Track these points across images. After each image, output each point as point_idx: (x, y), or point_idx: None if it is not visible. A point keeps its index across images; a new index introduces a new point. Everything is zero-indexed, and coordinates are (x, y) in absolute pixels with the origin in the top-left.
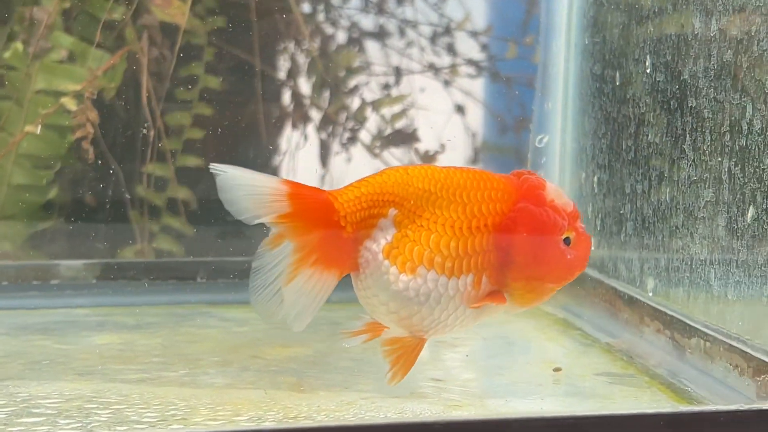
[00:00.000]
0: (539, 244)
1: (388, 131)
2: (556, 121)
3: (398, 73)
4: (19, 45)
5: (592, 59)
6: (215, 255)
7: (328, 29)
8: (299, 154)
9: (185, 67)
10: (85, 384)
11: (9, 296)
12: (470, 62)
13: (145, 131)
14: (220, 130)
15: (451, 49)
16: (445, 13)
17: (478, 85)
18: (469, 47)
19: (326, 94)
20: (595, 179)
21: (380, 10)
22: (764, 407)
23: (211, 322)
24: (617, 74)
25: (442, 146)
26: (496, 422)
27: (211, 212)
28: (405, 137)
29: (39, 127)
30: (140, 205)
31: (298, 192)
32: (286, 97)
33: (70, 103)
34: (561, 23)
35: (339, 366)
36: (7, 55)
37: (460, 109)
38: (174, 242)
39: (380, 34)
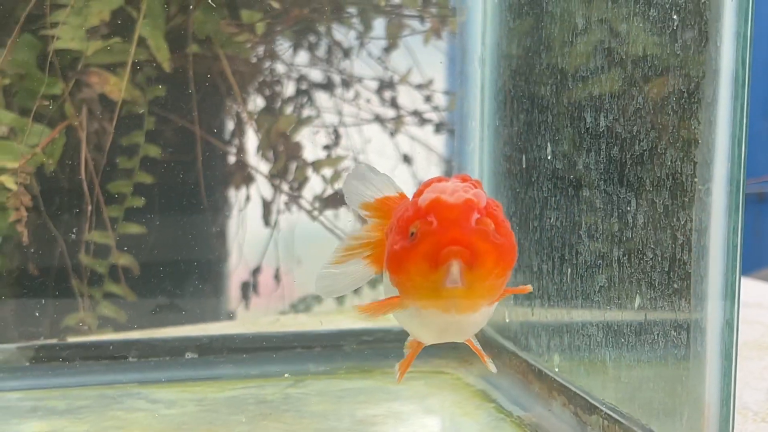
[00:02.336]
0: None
1: (328, 192)
2: None
3: (337, 133)
4: None
5: (502, 141)
6: (154, 325)
7: (274, 86)
8: (245, 214)
9: (126, 137)
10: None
11: None
12: (414, 113)
13: (87, 201)
14: (161, 196)
15: (394, 102)
16: (389, 67)
17: (425, 135)
18: (413, 99)
19: (269, 155)
20: None
21: (328, 63)
22: None
23: (140, 404)
24: (523, 157)
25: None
26: None
27: (152, 278)
28: (342, 200)
29: None
30: (82, 273)
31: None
32: (228, 160)
33: (8, 181)
34: (475, 104)
35: None
36: None
37: (406, 158)
38: (116, 309)
39: (327, 86)
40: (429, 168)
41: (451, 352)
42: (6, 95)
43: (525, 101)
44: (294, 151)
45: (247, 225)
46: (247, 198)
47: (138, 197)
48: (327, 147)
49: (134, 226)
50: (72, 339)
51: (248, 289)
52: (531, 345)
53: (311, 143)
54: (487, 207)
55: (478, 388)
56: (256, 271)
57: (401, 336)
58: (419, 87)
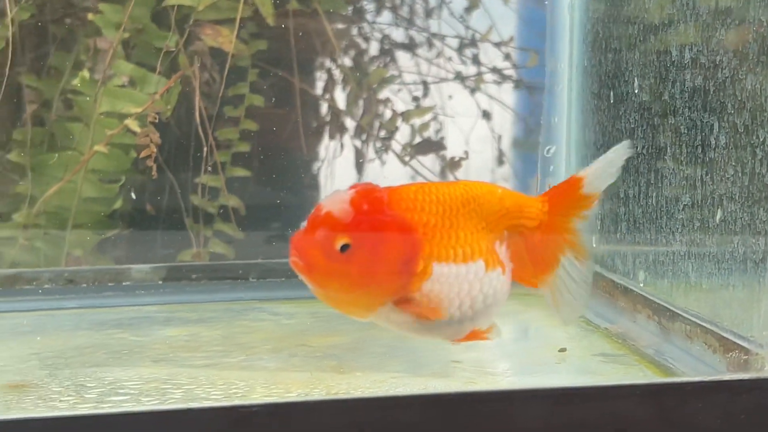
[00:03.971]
0: None
1: (417, 140)
2: (561, 134)
3: (425, 85)
4: (85, 72)
5: (590, 79)
6: (264, 257)
7: (361, 44)
8: (336, 162)
9: (232, 87)
10: (160, 369)
11: (88, 296)
12: (494, 70)
13: (199, 146)
14: (264, 142)
15: (476, 59)
16: (470, 26)
17: (503, 92)
18: (493, 56)
19: (360, 106)
20: None
21: (410, 24)
22: (725, 378)
23: (263, 316)
24: (611, 93)
25: (466, 152)
26: (503, 393)
27: (258, 218)
28: (432, 145)
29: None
30: (195, 213)
31: None
32: (323, 110)
33: (133, 124)
34: (564, 47)
35: (373, 351)
36: (75, 81)
37: (486, 114)
38: (226, 246)
39: (410, 46)
40: (505, 125)
41: None
42: (125, 48)
43: (614, 41)
44: (383, 103)
45: (338, 172)
46: (341, 146)
47: (244, 143)
48: (416, 98)
49: (240, 170)
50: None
51: None
52: (617, 265)
53: (399, 99)
54: (343, 226)
55: None
56: None
57: None
58: (499, 44)
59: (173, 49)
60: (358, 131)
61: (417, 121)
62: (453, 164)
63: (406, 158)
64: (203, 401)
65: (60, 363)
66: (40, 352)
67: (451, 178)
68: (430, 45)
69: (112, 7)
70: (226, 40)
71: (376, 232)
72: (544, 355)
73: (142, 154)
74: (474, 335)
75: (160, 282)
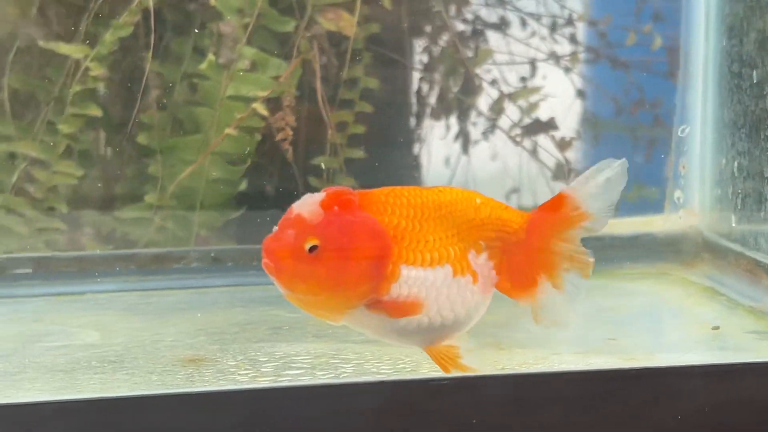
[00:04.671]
0: None
1: (526, 121)
2: (696, 113)
3: (533, 65)
4: (212, 57)
5: (730, 59)
6: None
7: (463, 26)
8: (442, 143)
9: (348, 70)
10: (324, 344)
11: (234, 275)
12: (590, 49)
13: (316, 128)
14: (377, 125)
15: (573, 38)
16: (566, 5)
17: (597, 71)
18: (587, 35)
19: (467, 87)
20: (735, 164)
21: (503, 3)
22: None
23: None
24: (754, 72)
25: (577, 132)
26: (662, 370)
27: None
28: (544, 125)
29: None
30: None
31: None
32: (432, 91)
33: (260, 108)
34: (700, 28)
35: (526, 328)
36: (202, 66)
37: (581, 93)
38: None
39: (507, 25)
40: (604, 104)
41: (674, 255)
42: (246, 32)
43: (756, 21)
44: (490, 84)
45: (447, 153)
46: (447, 127)
47: (359, 125)
48: (523, 79)
49: (356, 151)
50: None
51: None
52: (760, 244)
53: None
54: (312, 227)
55: (705, 285)
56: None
57: (629, 242)
58: (593, 23)
59: (293, 33)
60: (465, 112)
61: (524, 102)
62: (563, 144)
63: (517, 138)
64: (375, 375)
65: (227, 338)
66: (204, 327)
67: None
68: (524, 24)
69: None
70: (348, 24)
71: (345, 234)
72: (696, 332)
73: (278, 137)
74: (447, 363)
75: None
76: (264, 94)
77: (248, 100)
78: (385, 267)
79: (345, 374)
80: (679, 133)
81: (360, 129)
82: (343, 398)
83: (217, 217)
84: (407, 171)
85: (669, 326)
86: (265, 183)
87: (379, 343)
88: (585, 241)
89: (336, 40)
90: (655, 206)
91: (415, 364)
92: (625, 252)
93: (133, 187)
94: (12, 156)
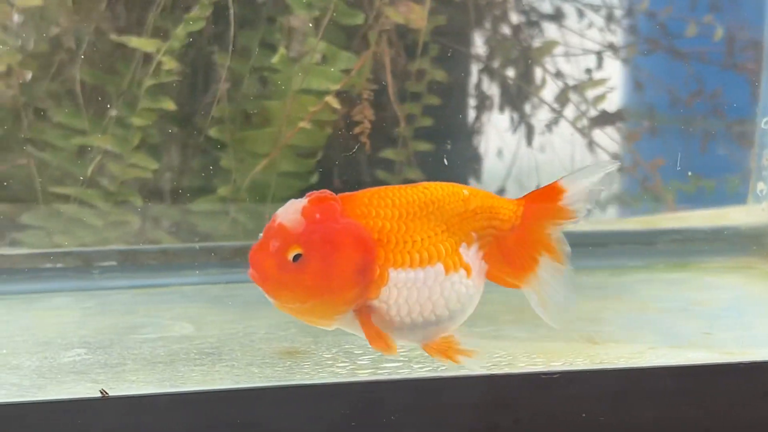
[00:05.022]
0: None
1: (592, 113)
2: None
3: (600, 56)
4: (283, 50)
5: None
6: None
7: (523, 17)
8: (505, 134)
9: (415, 62)
10: None
11: None
12: (649, 40)
13: (384, 121)
14: (443, 117)
15: (633, 29)
16: None
17: (655, 62)
18: (648, 26)
19: (531, 78)
20: None
21: None
22: None
23: (492, 287)
24: None
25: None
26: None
27: None
28: (611, 117)
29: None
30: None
31: None
32: (497, 83)
33: (333, 101)
34: None
35: (617, 323)
36: (274, 59)
37: (639, 85)
38: None
39: (560, 17)
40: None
41: (758, 248)
42: (316, 26)
43: None
44: (555, 75)
45: (513, 145)
46: (513, 120)
47: (427, 117)
48: (588, 70)
49: (423, 144)
50: None
51: None
52: None
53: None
54: (294, 236)
55: None
56: None
57: (711, 235)
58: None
59: (362, 26)
60: (530, 104)
61: (590, 93)
62: (631, 136)
63: (585, 130)
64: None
65: (317, 331)
66: (293, 320)
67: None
68: (581, 15)
69: None
70: (419, 16)
71: (329, 241)
72: None
73: (356, 131)
74: (447, 354)
75: None
76: (336, 87)
77: (318, 94)
78: (372, 272)
79: (442, 367)
80: (762, 125)
81: (427, 121)
82: (444, 391)
83: None
84: (471, 163)
85: (762, 320)
86: (335, 176)
87: (477, 336)
88: (672, 234)
89: (401, 32)
90: (737, 198)
91: (511, 357)
92: (708, 245)
93: (204, 180)
94: (85, 149)
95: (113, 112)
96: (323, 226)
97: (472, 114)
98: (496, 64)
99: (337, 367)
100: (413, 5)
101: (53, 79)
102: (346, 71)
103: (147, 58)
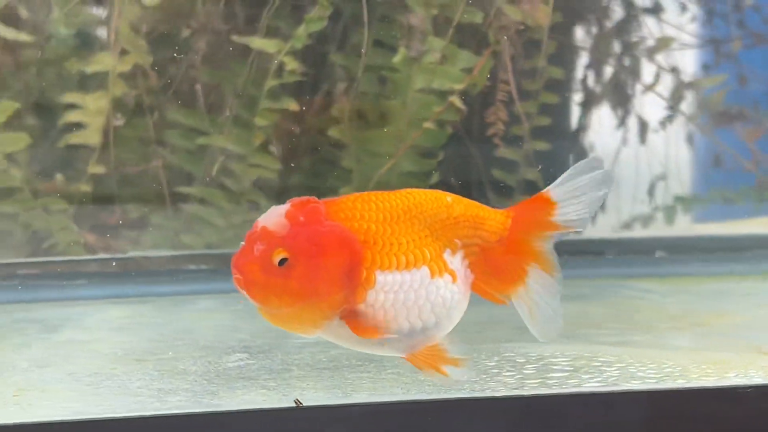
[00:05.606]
0: None
1: (707, 109)
2: None
3: (718, 52)
4: (403, 50)
5: None
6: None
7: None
8: (619, 131)
9: (529, 60)
10: (576, 345)
11: None
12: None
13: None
14: (561, 115)
15: (741, 24)
16: None
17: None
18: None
19: (643, 74)
20: None
21: None
22: None
23: (633, 293)
24: None
25: None
26: None
27: None
28: (736, 114)
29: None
30: (496, 186)
31: None
32: (612, 79)
33: (457, 101)
34: None
35: None
36: (396, 59)
37: (742, 80)
38: None
39: (659, 11)
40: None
41: None
42: (434, 24)
43: None
44: (670, 72)
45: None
46: (623, 116)
47: (544, 117)
48: (706, 67)
49: (540, 143)
50: None
51: None
52: None
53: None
54: (279, 239)
55: None
56: None
57: None
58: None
59: (482, 24)
60: (645, 101)
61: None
62: (751, 133)
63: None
64: (644, 380)
65: (474, 337)
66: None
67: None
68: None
69: None
70: (543, 14)
71: (314, 243)
72: None
73: (490, 132)
74: (434, 365)
75: None
76: (459, 86)
77: (439, 93)
78: (359, 274)
79: (612, 378)
80: None
81: (545, 121)
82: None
83: None
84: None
85: None
86: (451, 175)
87: (637, 344)
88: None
89: (518, 29)
90: None
91: (681, 368)
92: None
93: (323, 180)
94: (207, 149)
95: (234, 113)
96: (308, 228)
97: (585, 111)
98: (610, 60)
99: (505, 376)
100: (538, 3)
101: (175, 80)
102: (466, 70)
103: (262, 57)
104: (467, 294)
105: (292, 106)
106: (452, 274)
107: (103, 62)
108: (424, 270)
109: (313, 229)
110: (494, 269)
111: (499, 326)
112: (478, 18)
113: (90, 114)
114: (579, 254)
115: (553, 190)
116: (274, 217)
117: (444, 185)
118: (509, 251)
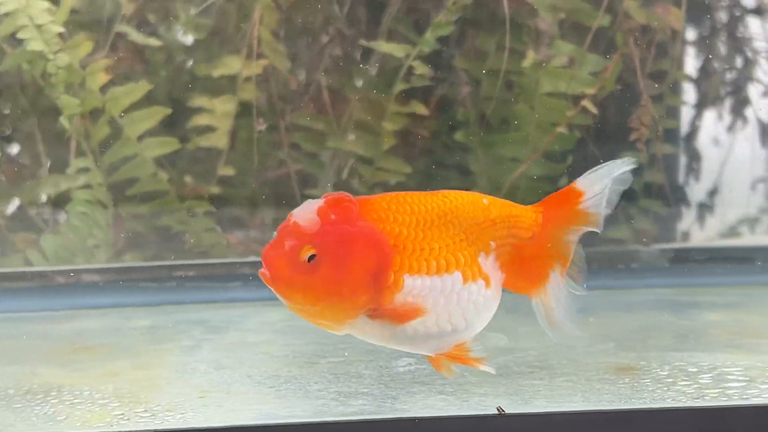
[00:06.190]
0: None
1: None
2: None
3: None
4: (532, 54)
5: None
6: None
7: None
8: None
9: (656, 63)
10: (742, 355)
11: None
12: None
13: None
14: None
15: None
16: None
17: None
18: None
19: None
20: None
21: None
22: None
23: None
24: None
25: None
26: None
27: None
28: None
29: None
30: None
31: None
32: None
33: (590, 106)
34: None
35: None
36: (525, 63)
37: None
38: (650, 222)
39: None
40: None
41: None
42: (561, 28)
43: None
44: None
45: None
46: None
47: (672, 120)
48: None
49: (667, 147)
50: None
51: None
52: None
53: None
54: (309, 236)
55: None
56: None
57: None
58: None
59: (607, 28)
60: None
61: None
62: None
63: None
64: None
65: (637, 345)
66: (607, 333)
67: None
68: None
69: None
70: (675, 18)
71: (343, 243)
72: None
73: (633, 137)
74: (463, 359)
75: (667, 265)
76: (591, 90)
77: (566, 97)
78: (386, 277)
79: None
80: None
81: (673, 124)
82: None
83: None
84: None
85: None
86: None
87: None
88: None
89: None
90: None
91: None
92: None
93: (449, 183)
94: (332, 152)
95: (362, 117)
96: (338, 227)
97: (704, 113)
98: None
99: (681, 386)
100: (671, 7)
101: (304, 84)
102: (594, 74)
103: (385, 61)
104: (499, 295)
105: (422, 110)
106: (486, 278)
107: (230, 66)
108: (457, 275)
109: (343, 228)
110: (524, 266)
111: (661, 334)
112: (605, 21)
113: (217, 117)
114: (728, 261)
115: (579, 181)
116: (306, 212)
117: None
118: (540, 247)
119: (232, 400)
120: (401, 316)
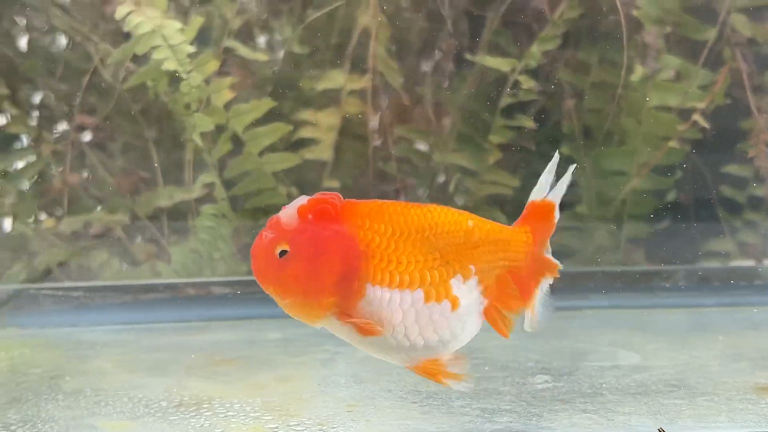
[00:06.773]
0: None
1: None
2: None
3: None
4: (640, 68)
5: None
6: None
7: None
8: None
9: (759, 76)
10: None
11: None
12: None
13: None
14: None
15: None
16: None
17: None
18: None
19: None
20: None
21: None
22: None
23: None
24: None
25: None
26: None
27: None
28: None
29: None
30: (725, 203)
31: None
32: None
33: (701, 120)
34: None
35: None
36: (634, 77)
37: None
38: (756, 235)
39: None
40: None
41: None
42: (668, 42)
43: None
44: None
45: None
46: None
47: None
48: None
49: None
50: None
51: None
52: None
53: None
54: (288, 232)
55: None
56: None
57: None
58: None
59: (713, 41)
60: None
61: None
62: None
63: None
64: None
65: (760, 363)
66: (723, 350)
67: None
68: None
69: (649, 1)
70: None
71: (314, 244)
72: None
73: (750, 154)
74: (433, 374)
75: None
76: (701, 105)
77: (674, 111)
78: (351, 283)
79: None
80: None
81: None
82: None
83: (643, 229)
84: None
85: None
86: (687, 195)
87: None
88: None
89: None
90: None
91: None
92: None
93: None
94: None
95: (467, 130)
96: (312, 228)
97: None
98: None
99: None
100: None
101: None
102: (702, 87)
103: (488, 74)
104: (476, 319)
105: (529, 123)
106: (453, 301)
107: (334, 80)
108: (419, 293)
109: (316, 230)
110: (521, 286)
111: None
112: (709, 35)
113: (322, 130)
114: None
115: (551, 194)
116: (290, 209)
117: (677, 203)
118: (534, 263)
119: (379, 414)
120: (361, 329)
